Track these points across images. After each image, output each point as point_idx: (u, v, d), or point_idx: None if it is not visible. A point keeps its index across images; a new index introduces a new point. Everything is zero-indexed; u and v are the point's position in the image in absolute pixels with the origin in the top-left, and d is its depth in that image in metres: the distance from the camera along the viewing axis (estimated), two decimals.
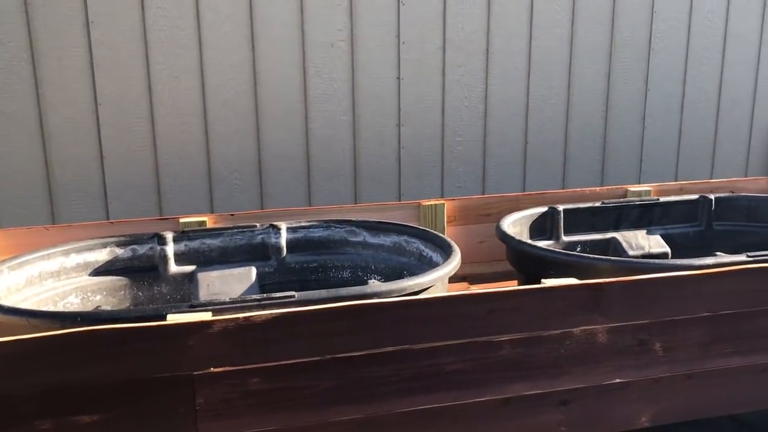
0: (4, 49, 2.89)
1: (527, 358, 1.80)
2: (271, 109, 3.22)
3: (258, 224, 2.53)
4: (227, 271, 2.46)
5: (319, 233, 2.59)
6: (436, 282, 1.99)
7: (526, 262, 2.36)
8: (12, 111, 2.95)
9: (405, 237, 2.49)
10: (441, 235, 2.37)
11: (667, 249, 2.78)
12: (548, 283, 1.82)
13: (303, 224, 2.58)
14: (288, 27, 3.16)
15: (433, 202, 2.82)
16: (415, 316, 1.71)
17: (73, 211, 3.07)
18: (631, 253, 2.74)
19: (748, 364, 1.98)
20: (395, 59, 3.32)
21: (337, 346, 1.67)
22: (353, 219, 2.59)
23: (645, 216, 2.90)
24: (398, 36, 3.30)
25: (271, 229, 2.53)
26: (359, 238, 2.58)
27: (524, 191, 3.55)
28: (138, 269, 2.42)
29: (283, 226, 2.54)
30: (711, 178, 3.86)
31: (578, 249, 2.79)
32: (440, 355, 1.74)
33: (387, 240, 2.53)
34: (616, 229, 2.87)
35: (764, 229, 2.90)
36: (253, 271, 2.47)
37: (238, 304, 1.77)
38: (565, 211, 2.78)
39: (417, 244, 2.44)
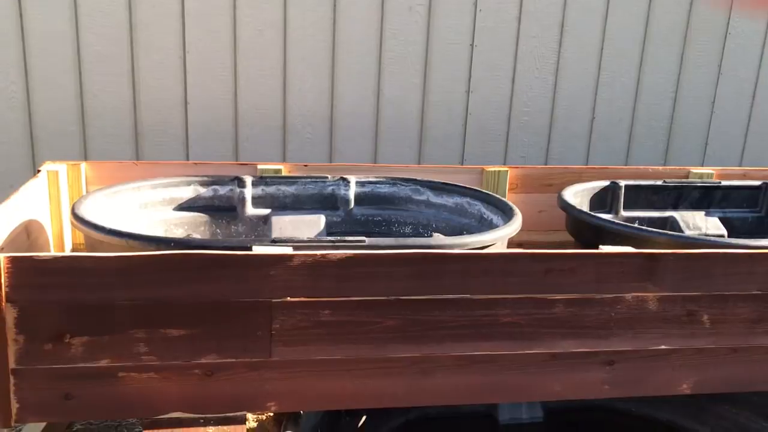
0: None
1: (578, 317, 1.91)
2: (346, 67, 3.35)
3: (329, 176, 2.68)
4: (299, 217, 2.62)
5: (385, 189, 2.72)
6: (497, 241, 2.10)
7: (585, 232, 2.45)
8: (108, 53, 3.14)
9: (467, 199, 2.60)
10: (503, 198, 2.48)
11: (724, 231, 2.83)
12: (605, 249, 1.92)
13: (371, 179, 2.71)
14: None
15: (496, 168, 2.91)
16: (477, 268, 1.83)
17: (156, 152, 3.28)
18: (687, 232, 2.80)
19: None
20: (471, 26, 3.39)
21: (402, 289, 1.80)
22: (419, 178, 2.71)
23: (705, 198, 2.94)
24: (475, 4, 3.37)
25: (341, 182, 2.67)
26: (423, 197, 2.70)
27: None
28: (218, 208, 2.60)
29: (353, 179, 2.68)
30: None
31: (636, 225, 2.85)
32: (497, 307, 1.86)
33: (449, 201, 2.65)
34: (675, 208, 2.92)
35: None
36: (323, 219, 2.63)
37: (314, 243, 1.92)
38: (626, 186, 2.84)
39: (479, 207, 2.55)
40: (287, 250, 1.77)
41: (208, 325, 1.75)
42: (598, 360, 1.97)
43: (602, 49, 3.55)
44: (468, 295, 1.84)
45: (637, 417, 2.81)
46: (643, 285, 1.91)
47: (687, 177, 3.07)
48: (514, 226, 2.18)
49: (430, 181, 2.70)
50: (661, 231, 2.27)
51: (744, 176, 3.12)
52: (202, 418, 1.79)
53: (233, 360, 1.78)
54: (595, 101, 3.62)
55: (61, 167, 2.55)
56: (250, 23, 3.21)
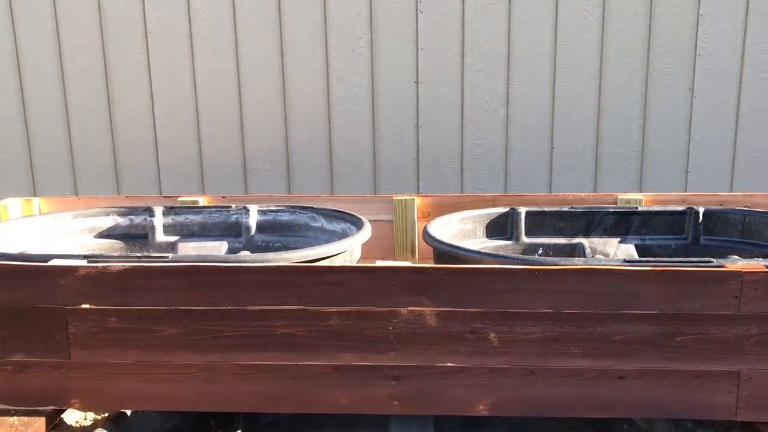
0: (83, 55, 3.56)
1: (355, 330, 1.96)
2: (297, 109, 3.58)
3: (233, 205, 2.90)
4: (202, 243, 2.86)
5: (285, 217, 2.89)
6: (298, 260, 2.17)
7: (436, 257, 2.45)
8: (89, 105, 3.61)
9: (349, 225, 2.70)
10: (367, 223, 2.55)
11: (635, 258, 2.68)
12: (378, 263, 1.97)
13: (272, 208, 2.89)
14: (313, 35, 3.49)
15: (404, 197, 2.98)
16: (247, 280, 1.96)
17: (134, 190, 3.67)
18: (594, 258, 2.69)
19: (601, 368, 1.95)
20: (414, 64, 3.50)
21: (180, 300, 1.97)
22: (315, 206, 2.86)
23: (622, 225, 2.81)
24: (416, 42, 3.49)
25: (243, 210, 2.88)
26: (318, 224, 2.84)
27: None
28: (133, 236, 2.90)
29: (254, 208, 2.88)
30: None
31: (539, 251, 2.79)
32: (272, 318, 1.97)
33: (338, 227, 2.76)
34: (587, 235, 2.82)
35: (757, 247, 2.67)
36: (225, 245, 2.84)
37: (122, 259, 2.14)
38: (528, 213, 2.79)
39: (354, 231, 2.64)
40: (78, 262, 2.00)
41: (15, 328, 2.01)
42: (382, 374, 1.99)
43: (555, 78, 3.51)
44: (242, 306, 1.97)
45: None
46: (418, 299, 1.93)
47: (615, 203, 2.95)
48: (314, 251, 2.23)
49: (323, 209, 2.83)
50: (491, 253, 2.25)
51: (682, 202, 2.94)
52: (13, 409, 2.04)
53: (39, 359, 2.03)
54: (552, 131, 3.56)
55: (16, 202, 2.98)
56: (207, 72, 3.56)
